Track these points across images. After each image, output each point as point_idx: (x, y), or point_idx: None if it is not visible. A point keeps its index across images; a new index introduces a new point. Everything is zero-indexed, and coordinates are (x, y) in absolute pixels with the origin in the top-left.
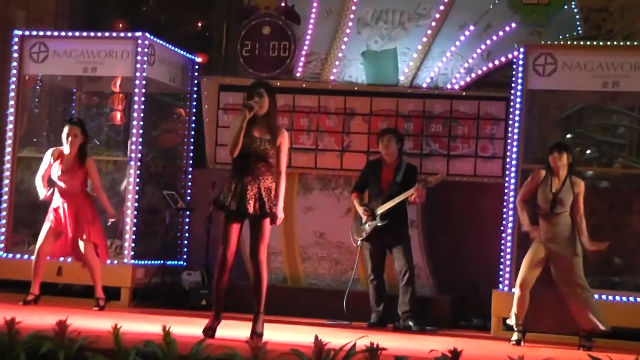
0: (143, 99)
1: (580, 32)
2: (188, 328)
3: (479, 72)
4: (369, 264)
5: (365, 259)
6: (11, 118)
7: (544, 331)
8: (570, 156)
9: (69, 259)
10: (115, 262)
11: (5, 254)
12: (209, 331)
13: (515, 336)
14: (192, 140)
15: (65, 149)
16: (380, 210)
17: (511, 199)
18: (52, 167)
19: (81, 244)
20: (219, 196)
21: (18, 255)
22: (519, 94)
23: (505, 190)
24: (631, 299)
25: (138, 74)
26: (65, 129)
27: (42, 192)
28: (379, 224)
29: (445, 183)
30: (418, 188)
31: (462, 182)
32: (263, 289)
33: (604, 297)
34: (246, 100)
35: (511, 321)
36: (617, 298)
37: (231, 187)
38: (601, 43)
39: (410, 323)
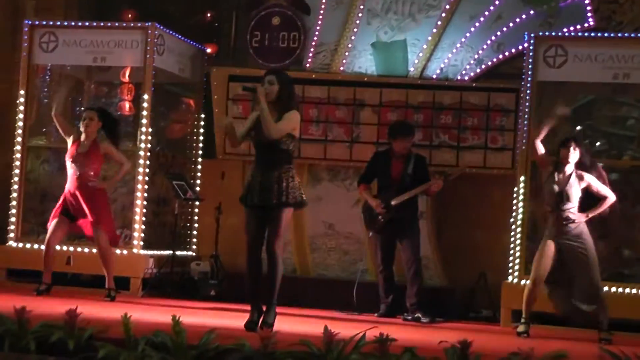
0: (152, 89)
1: (590, 23)
2: (197, 318)
3: (489, 63)
4: (379, 255)
5: (375, 250)
6: (21, 108)
7: (564, 316)
8: (582, 150)
9: (79, 249)
10: (125, 252)
11: (16, 244)
12: (251, 324)
13: (522, 327)
14: (201, 130)
15: (82, 135)
16: (395, 201)
17: (521, 191)
18: (68, 150)
19: (95, 232)
20: (244, 191)
21: (28, 245)
22: (529, 85)
23: (515, 182)
24: (635, 291)
25: (147, 64)
26: (84, 115)
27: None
28: (394, 216)
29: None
30: (438, 179)
31: (472, 174)
32: (277, 281)
33: (613, 289)
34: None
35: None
36: (627, 290)
37: (250, 179)
38: (612, 35)
39: (419, 315)
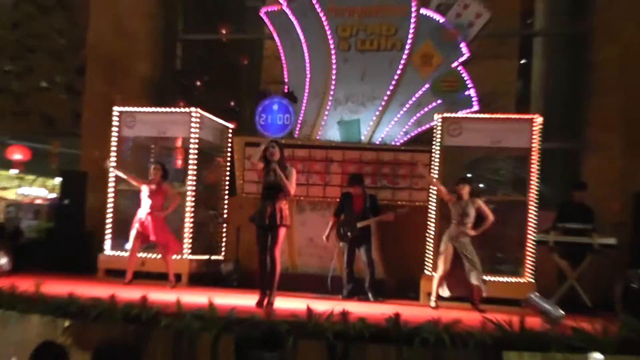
0: (195, 152)
1: (476, 108)
2: (225, 299)
3: (413, 134)
4: (345, 258)
5: (343, 254)
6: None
7: (458, 295)
8: (470, 186)
9: (152, 255)
10: (178, 257)
11: (111, 252)
12: (260, 303)
13: (433, 303)
14: (227, 178)
15: (151, 179)
16: (360, 224)
17: (432, 216)
18: (142, 190)
19: (160, 246)
20: (253, 214)
21: (117, 252)
22: (437, 149)
23: (430, 210)
24: (506, 279)
25: (192, 136)
26: (152, 166)
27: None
28: (358, 234)
29: (392, 206)
30: (390, 214)
31: (403, 205)
32: (276, 275)
33: (490, 278)
34: (264, 152)
35: (443, 292)
36: (498, 278)
37: (259, 208)
38: (489, 116)
39: (370, 296)
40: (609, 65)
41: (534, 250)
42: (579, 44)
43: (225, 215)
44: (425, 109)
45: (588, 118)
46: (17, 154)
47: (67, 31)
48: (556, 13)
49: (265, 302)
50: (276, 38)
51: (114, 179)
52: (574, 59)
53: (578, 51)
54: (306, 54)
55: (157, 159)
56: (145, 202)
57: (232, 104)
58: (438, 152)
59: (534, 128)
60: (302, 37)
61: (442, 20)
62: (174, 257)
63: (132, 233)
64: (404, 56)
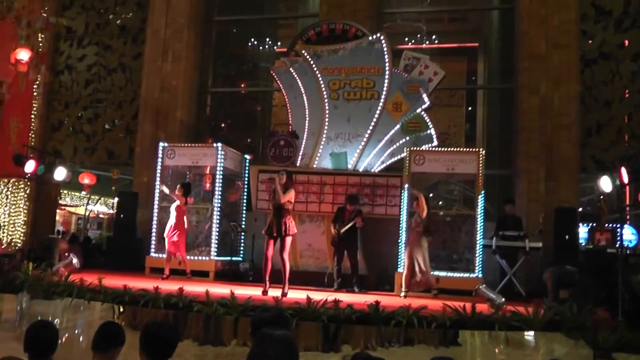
0: (221, 177)
1: (435, 143)
2: (243, 291)
3: (388, 163)
4: (335, 257)
5: (334, 255)
6: (157, 188)
7: (418, 289)
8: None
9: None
10: (207, 257)
11: (155, 254)
12: (265, 293)
13: (403, 293)
14: (245, 197)
15: (178, 197)
16: (342, 230)
17: (403, 226)
18: (172, 207)
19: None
20: (266, 228)
21: (159, 255)
22: (406, 174)
23: (400, 222)
24: (460, 274)
25: (218, 165)
26: (178, 186)
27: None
28: (344, 237)
29: (372, 218)
30: (358, 219)
31: (379, 218)
32: (286, 272)
33: (446, 274)
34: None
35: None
36: (452, 274)
37: (269, 222)
38: (445, 149)
39: (355, 288)
40: (531, 111)
41: (481, 252)
42: (509, 95)
43: (243, 226)
44: (397, 144)
45: (518, 151)
46: (86, 179)
47: (125, 87)
48: (493, 73)
49: (267, 290)
50: (283, 91)
51: (158, 199)
52: (506, 106)
53: (509, 101)
54: (305, 103)
55: (192, 185)
56: (174, 217)
57: (249, 140)
58: (407, 177)
59: (479, 159)
60: (302, 90)
61: (408, 77)
62: (203, 258)
63: (167, 243)
64: (380, 104)
